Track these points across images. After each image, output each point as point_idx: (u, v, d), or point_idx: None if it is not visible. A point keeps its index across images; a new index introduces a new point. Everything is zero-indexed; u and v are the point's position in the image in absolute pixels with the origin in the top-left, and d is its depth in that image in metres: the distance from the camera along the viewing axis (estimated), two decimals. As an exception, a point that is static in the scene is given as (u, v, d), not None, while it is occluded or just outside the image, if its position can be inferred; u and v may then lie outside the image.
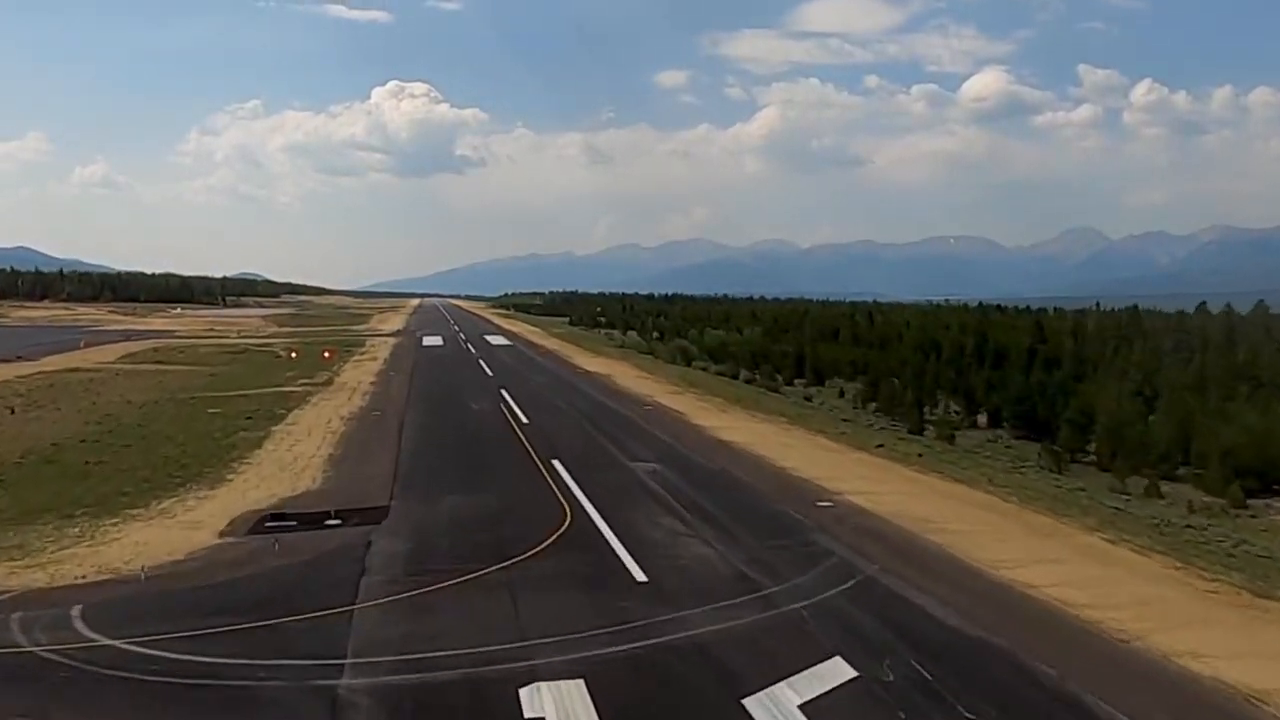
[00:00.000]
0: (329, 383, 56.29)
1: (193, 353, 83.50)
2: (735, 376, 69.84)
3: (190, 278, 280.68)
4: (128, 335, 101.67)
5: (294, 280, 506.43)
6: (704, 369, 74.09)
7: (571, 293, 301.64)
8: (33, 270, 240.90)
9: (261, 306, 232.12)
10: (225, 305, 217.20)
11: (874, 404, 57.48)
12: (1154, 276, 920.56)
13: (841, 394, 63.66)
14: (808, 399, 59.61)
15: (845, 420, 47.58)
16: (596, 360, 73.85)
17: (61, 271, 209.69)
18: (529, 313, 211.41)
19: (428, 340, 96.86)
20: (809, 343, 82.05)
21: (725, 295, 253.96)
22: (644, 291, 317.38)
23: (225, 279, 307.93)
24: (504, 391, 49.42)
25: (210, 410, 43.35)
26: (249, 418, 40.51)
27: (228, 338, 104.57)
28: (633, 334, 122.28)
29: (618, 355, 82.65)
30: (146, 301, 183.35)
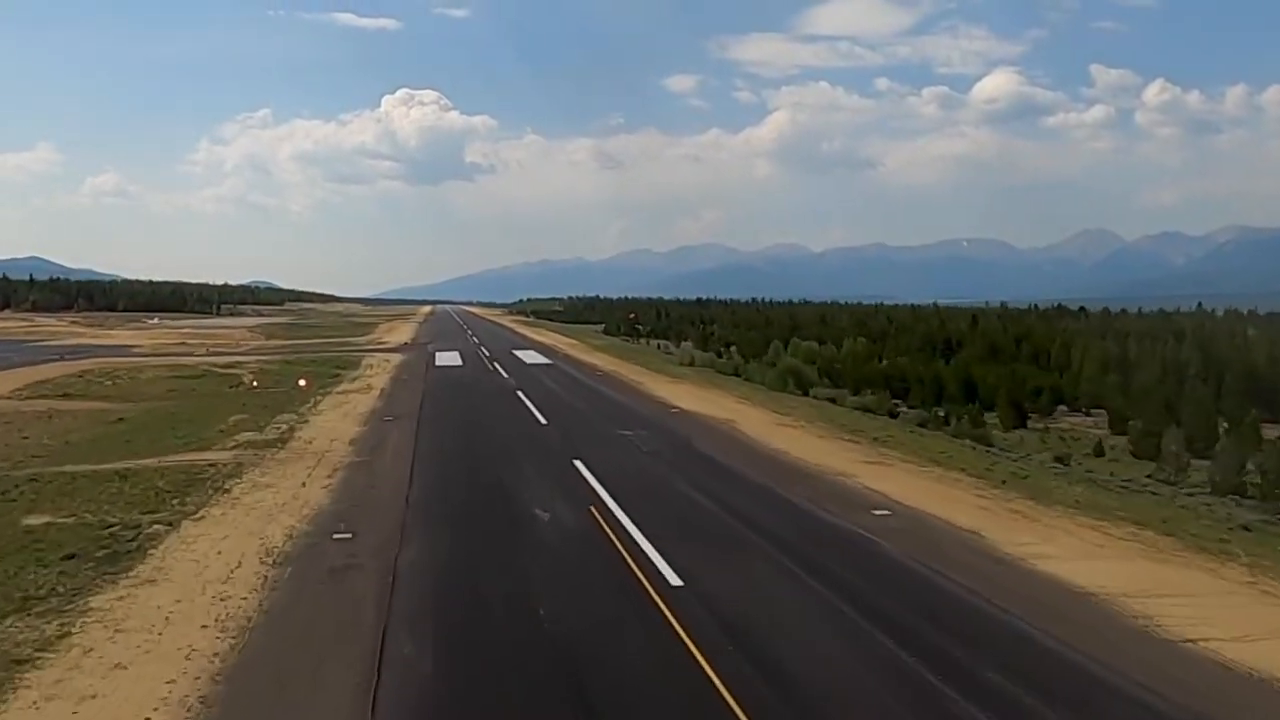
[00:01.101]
0: (284, 439, 34.19)
1: (130, 379, 61.61)
2: (893, 415, 47.46)
3: (186, 284, 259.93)
4: (65, 354, 79.80)
5: (306, 288, 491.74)
6: (831, 399, 51.66)
7: (593, 298, 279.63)
8: (47, 279, 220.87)
9: (260, 315, 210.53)
10: (218, 314, 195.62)
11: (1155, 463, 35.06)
12: (1171, 278, 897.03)
13: (1100, 450, 40.83)
14: (1060, 461, 37.08)
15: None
16: (680, 390, 51.61)
17: (31, 278, 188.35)
18: (552, 320, 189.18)
19: (443, 358, 74.84)
20: (966, 362, 59.74)
21: (754, 299, 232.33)
22: (655, 295, 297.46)
23: (225, 286, 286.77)
24: (582, 466, 27.36)
25: None
26: (41, 566, 18.28)
27: (193, 355, 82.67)
28: (689, 345, 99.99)
29: (697, 379, 60.46)
30: (126, 311, 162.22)
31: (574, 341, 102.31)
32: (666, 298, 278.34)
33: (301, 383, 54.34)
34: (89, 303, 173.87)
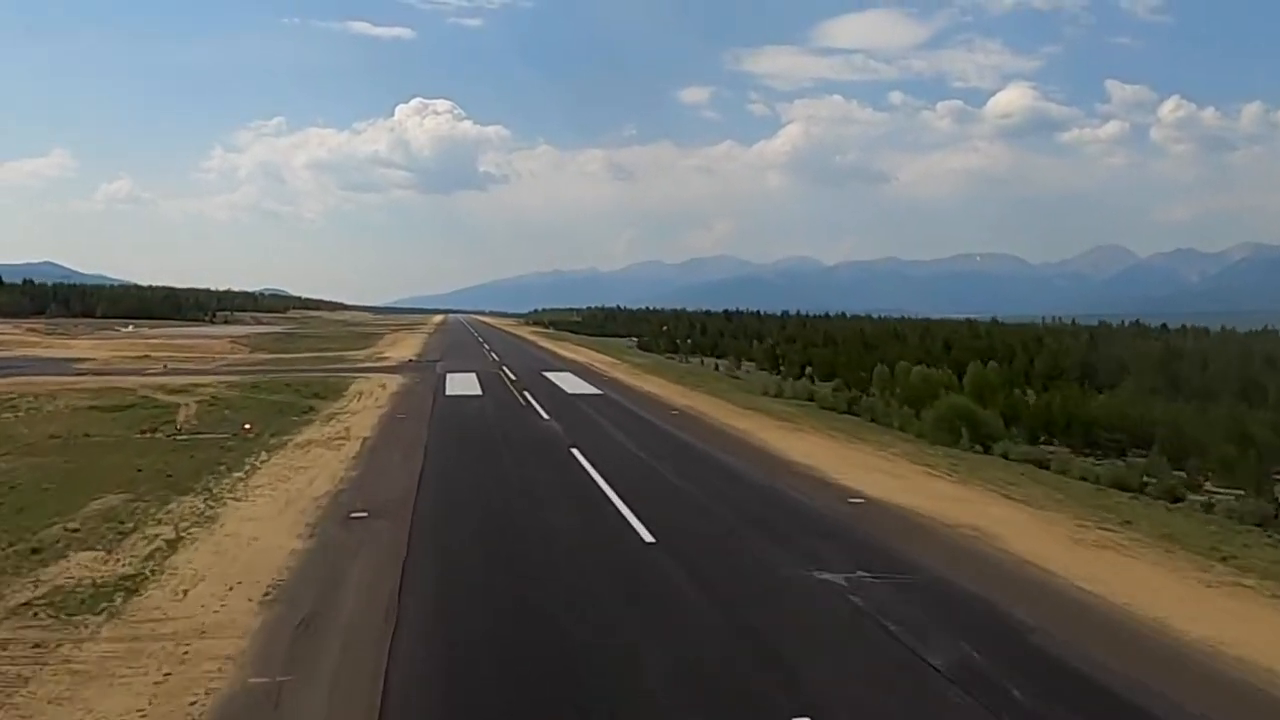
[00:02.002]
0: (130, 587, 16.35)
1: (28, 411, 44.16)
2: (1177, 499, 29.34)
3: (181, 290, 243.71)
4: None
5: (318, 296, 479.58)
6: (1042, 463, 33.65)
7: (613, 308, 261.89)
8: (20, 282, 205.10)
9: (258, 324, 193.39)
10: (211, 322, 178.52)
11: None
12: (1185, 294, 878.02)
13: None
14: None
15: None
16: (816, 447, 33.95)
17: (1, 279, 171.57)
18: (574, 332, 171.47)
19: (456, 382, 57.30)
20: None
21: (792, 312, 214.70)
22: (667, 306, 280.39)
23: (227, 292, 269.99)
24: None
25: None
26: None
27: (145, 374, 65.15)
28: (750, 366, 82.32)
29: (812, 422, 42.63)
30: (105, 317, 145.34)
31: (611, 359, 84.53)
32: (680, 309, 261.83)
33: (246, 427, 36.66)
34: (64, 308, 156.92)
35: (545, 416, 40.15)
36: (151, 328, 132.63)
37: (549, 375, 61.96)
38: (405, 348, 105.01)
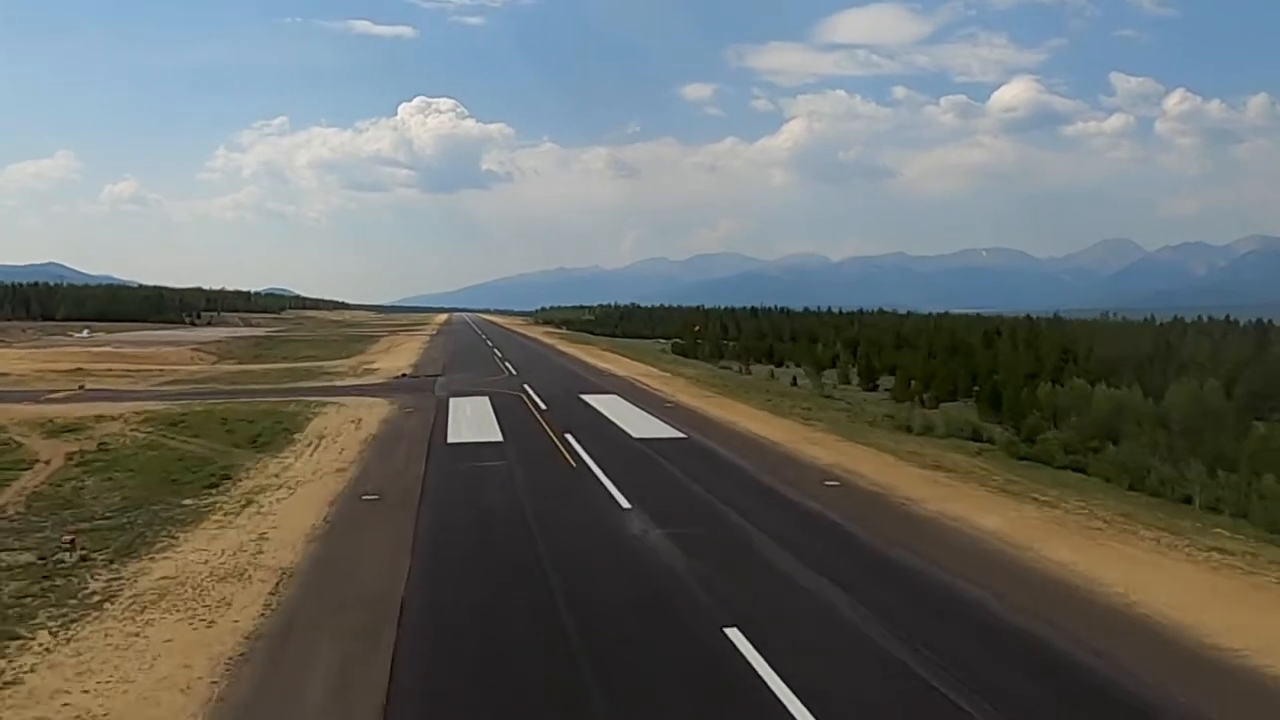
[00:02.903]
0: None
1: None
2: None
3: (173, 290, 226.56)
4: None
5: (322, 296, 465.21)
6: None
7: (630, 306, 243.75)
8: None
9: (247, 325, 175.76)
10: (193, 324, 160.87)
11: None
12: (1192, 288, 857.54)
13: None
14: None
15: None
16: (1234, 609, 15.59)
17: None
18: (592, 333, 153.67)
19: (462, 415, 39.83)
20: None
21: (799, 309, 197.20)
22: (673, 304, 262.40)
23: (221, 291, 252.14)
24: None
25: None
26: None
27: (44, 399, 47.56)
28: (831, 381, 64.66)
29: (1071, 499, 24.59)
30: (67, 320, 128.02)
31: (654, 370, 66.73)
32: (698, 305, 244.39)
33: (68, 538, 19.00)
34: (23, 308, 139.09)
35: (624, 503, 22.31)
36: (112, 333, 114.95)
37: (590, 400, 44.21)
38: (400, 355, 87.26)
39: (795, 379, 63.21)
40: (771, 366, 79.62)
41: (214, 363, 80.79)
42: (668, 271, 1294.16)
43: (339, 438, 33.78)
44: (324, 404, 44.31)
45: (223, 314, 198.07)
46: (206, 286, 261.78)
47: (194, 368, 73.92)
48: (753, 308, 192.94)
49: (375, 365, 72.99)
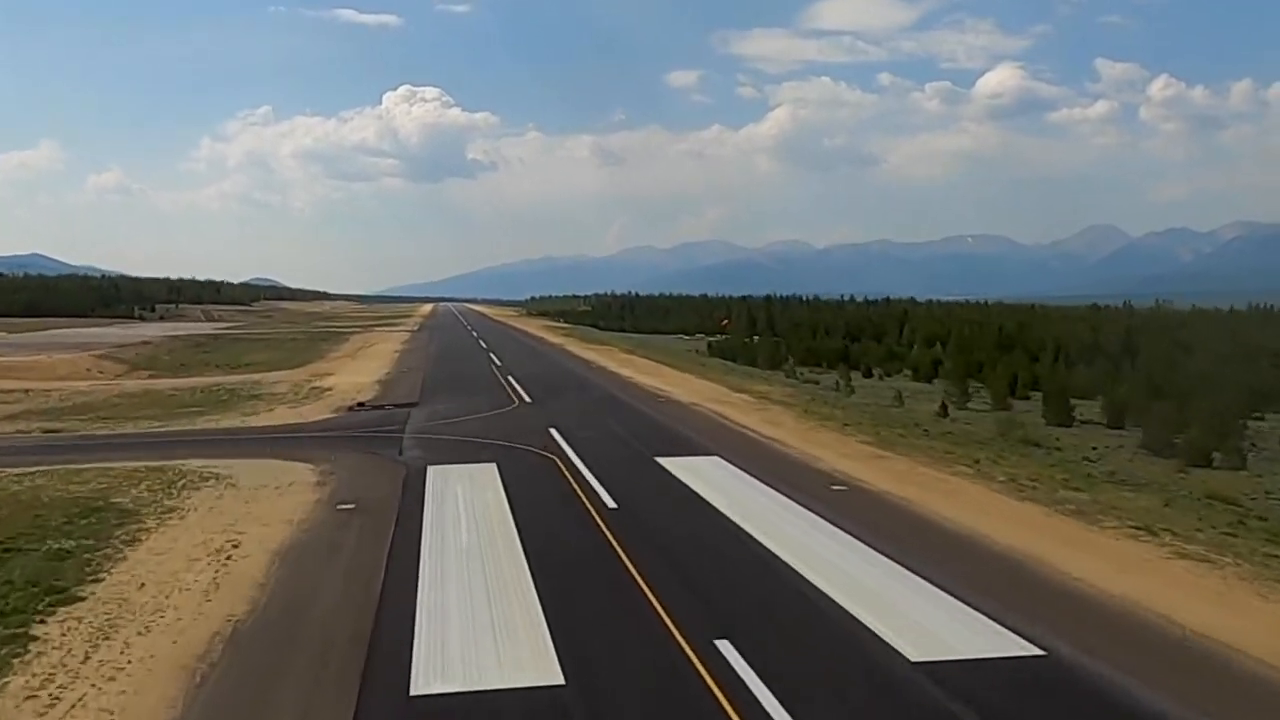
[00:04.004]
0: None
1: None
2: None
3: (128, 279, 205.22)
4: None
5: (308, 286, 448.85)
6: None
7: (631, 296, 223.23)
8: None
9: (209, 319, 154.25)
10: (141, 319, 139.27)
11: None
12: (1178, 274, 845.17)
13: None
14: None
15: None
16: None
17: None
18: (597, 327, 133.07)
19: (446, 525, 19.49)
20: None
21: (781, 295, 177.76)
22: (659, 292, 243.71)
23: (184, 281, 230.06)
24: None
25: None
26: None
27: None
28: (928, 393, 44.62)
29: None
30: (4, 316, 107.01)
31: (727, 392, 46.18)
32: (713, 294, 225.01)
33: None
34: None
35: None
36: (14, 331, 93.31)
37: (691, 482, 23.36)
38: (369, 362, 66.65)
39: (899, 394, 42.81)
40: (849, 375, 59.36)
41: (118, 375, 60.01)
42: (654, 259, 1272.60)
43: (168, 624, 13.21)
44: (196, 486, 23.65)
45: (183, 306, 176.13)
46: (187, 277, 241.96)
47: (78, 385, 53.11)
48: (768, 296, 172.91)
49: (330, 381, 52.28)
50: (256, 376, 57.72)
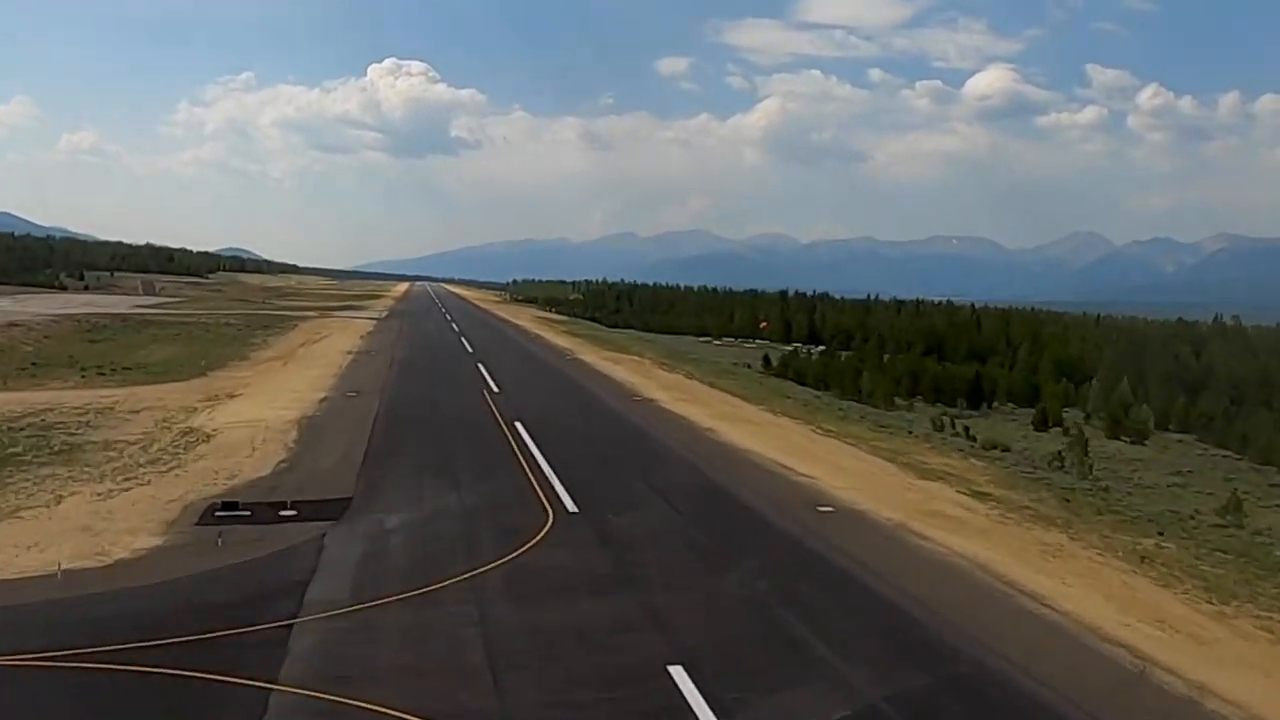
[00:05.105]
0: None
1: None
2: None
3: (67, 240, 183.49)
4: None
5: (282, 259, 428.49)
6: None
7: (627, 284, 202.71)
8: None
9: (149, 292, 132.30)
10: (61, 289, 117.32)
11: None
12: (1161, 284, 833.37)
13: None
14: None
15: None
16: None
17: None
18: (598, 320, 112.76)
19: None
20: None
21: (762, 290, 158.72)
22: (640, 281, 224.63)
23: (140, 246, 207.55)
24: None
25: None
26: None
27: None
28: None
29: None
30: None
31: (898, 475, 26.40)
32: (651, 283, 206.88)
33: None
34: None
35: None
36: None
37: None
38: (308, 369, 46.28)
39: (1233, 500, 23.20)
40: (1081, 436, 39.74)
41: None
42: (636, 247, 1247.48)
43: None
44: None
45: (122, 276, 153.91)
46: (158, 244, 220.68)
47: None
48: (783, 292, 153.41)
49: (223, 413, 31.88)
50: (123, 393, 37.28)
